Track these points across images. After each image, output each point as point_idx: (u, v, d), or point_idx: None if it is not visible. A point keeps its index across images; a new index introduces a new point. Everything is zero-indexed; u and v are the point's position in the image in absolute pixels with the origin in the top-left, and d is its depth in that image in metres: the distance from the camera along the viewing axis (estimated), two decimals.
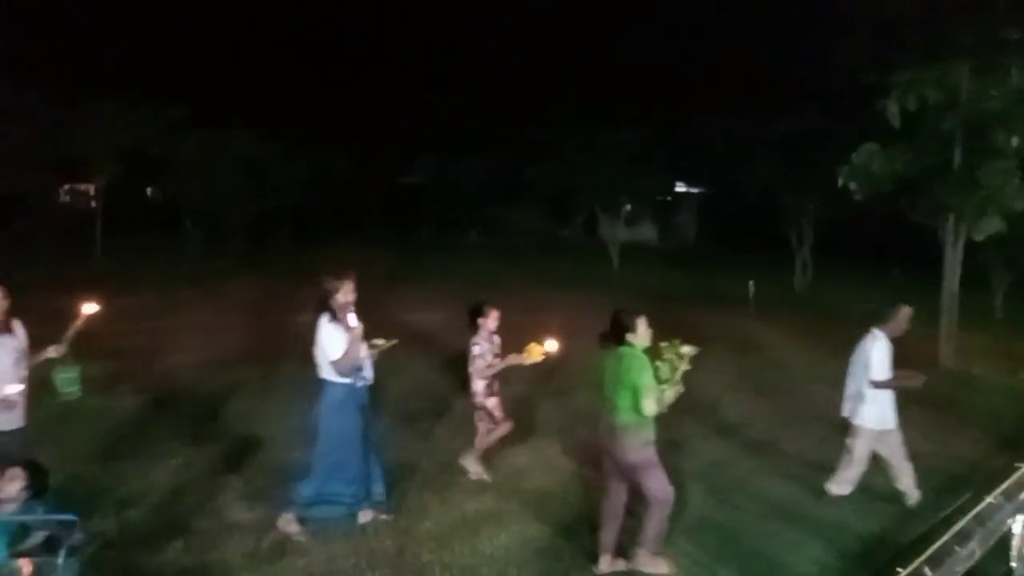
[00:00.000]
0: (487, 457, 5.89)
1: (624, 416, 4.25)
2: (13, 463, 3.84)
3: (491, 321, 5.63)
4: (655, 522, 4.31)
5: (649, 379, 4.16)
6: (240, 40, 35.71)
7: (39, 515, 3.41)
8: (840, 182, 9.93)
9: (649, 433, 4.31)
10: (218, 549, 4.61)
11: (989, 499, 1.74)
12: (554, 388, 8.27)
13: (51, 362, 4.72)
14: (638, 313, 4.38)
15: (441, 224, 30.07)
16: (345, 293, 4.77)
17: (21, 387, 4.40)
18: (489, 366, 5.59)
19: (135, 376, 8.48)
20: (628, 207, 23.08)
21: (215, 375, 8.64)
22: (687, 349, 4.26)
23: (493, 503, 5.41)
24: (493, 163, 27.69)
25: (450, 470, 5.87)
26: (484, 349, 5.58)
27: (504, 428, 5.77)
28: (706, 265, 21.61)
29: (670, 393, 4.22)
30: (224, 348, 10.03)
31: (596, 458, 4.85)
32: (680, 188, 28.46)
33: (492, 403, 5.66)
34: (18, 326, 4.58)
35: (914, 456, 5.50)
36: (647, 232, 28.73)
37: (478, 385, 5.64)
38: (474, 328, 5.61)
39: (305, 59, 35.38)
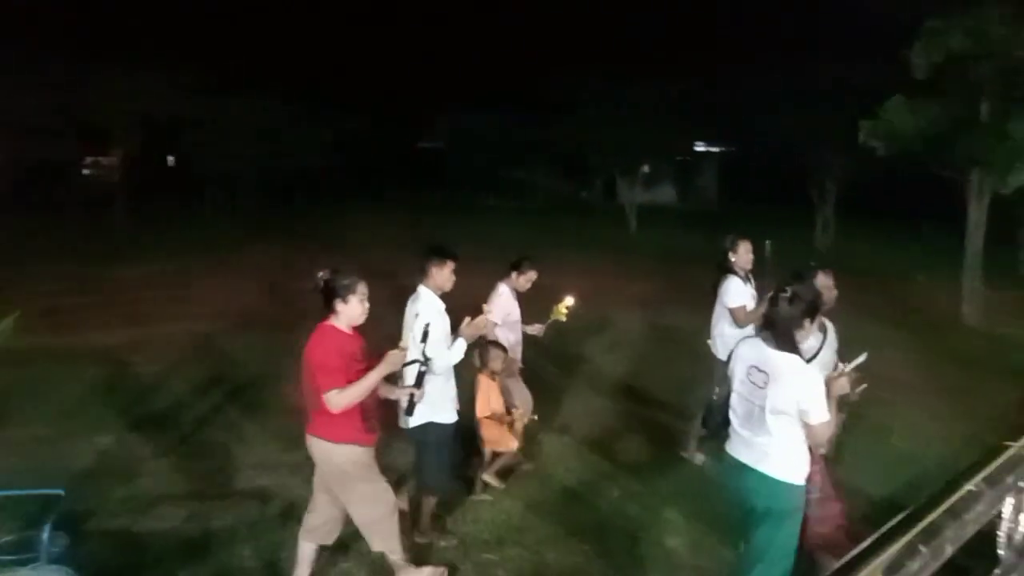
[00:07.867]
0: None
1: None
2: None
3: None
4: None
5: None
6: (254, 2, 35.16)
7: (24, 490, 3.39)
8: (861, 138, 9.63)
9: None
10: (222, 517, 4.62)
11: (968, 486, 1.59)
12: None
13: None
14: None
15: (459, 186, 29.78)
16: None
17: None
18: None
19: (144, 345, 8.54)
20: (645, 168, 22.59)
21: (217, 344, 8.67)
22: None
23: None
24: (511, 123, 27.25)
25: None
26: None
27: None
28: (726, 226, 21.04)
29: None
30: (227, 316, 9.90)
31: None
32: (700, 148, 27.79)
33: None
34: None
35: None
36: (666, 194, 28.25)
37: None
38: None
39: (322, 21, 34.81)
